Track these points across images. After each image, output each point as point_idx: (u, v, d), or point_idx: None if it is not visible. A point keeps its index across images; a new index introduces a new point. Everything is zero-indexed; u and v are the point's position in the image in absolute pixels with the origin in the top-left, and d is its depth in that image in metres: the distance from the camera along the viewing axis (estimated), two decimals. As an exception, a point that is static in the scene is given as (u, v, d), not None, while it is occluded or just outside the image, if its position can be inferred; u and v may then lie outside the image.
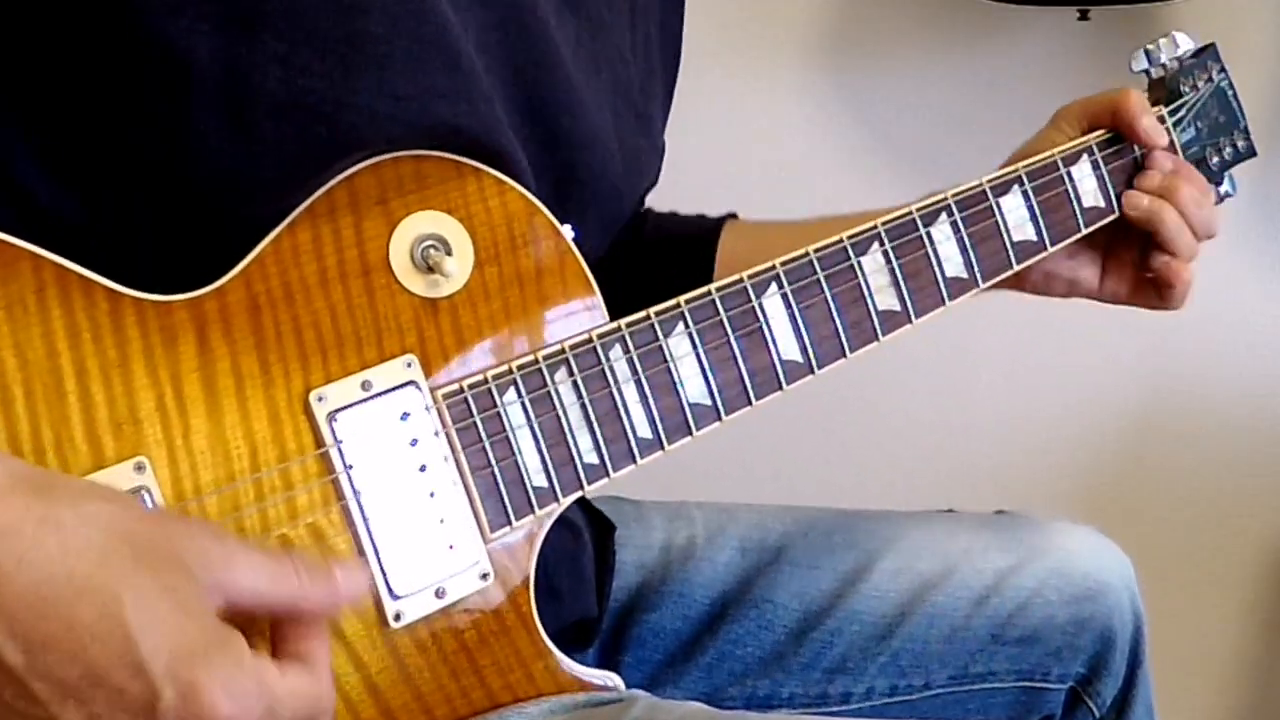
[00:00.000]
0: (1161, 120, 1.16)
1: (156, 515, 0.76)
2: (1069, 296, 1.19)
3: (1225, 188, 1.23)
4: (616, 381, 0.92)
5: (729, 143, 2.06)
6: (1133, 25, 1.94)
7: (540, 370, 0.89)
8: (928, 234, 1.03)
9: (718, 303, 0.95)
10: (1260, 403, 2.09)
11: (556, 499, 0.90)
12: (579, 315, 0.92)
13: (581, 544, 1.08)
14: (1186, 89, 1.18)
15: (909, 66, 2.04)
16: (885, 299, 1.02)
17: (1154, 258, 1.13)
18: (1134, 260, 1.16)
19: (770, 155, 2.06)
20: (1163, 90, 1.18)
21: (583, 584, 1.07)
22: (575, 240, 0.93)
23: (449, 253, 0.87)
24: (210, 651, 0.69)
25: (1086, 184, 1.11)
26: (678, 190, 1.98)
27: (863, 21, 2.03)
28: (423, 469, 0.86)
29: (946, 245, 1.04)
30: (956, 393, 2.07)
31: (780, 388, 0.98)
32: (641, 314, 0.93)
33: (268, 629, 0.76)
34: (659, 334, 0.93)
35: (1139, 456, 2.14)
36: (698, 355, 0.94)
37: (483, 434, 0.87)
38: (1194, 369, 2.10)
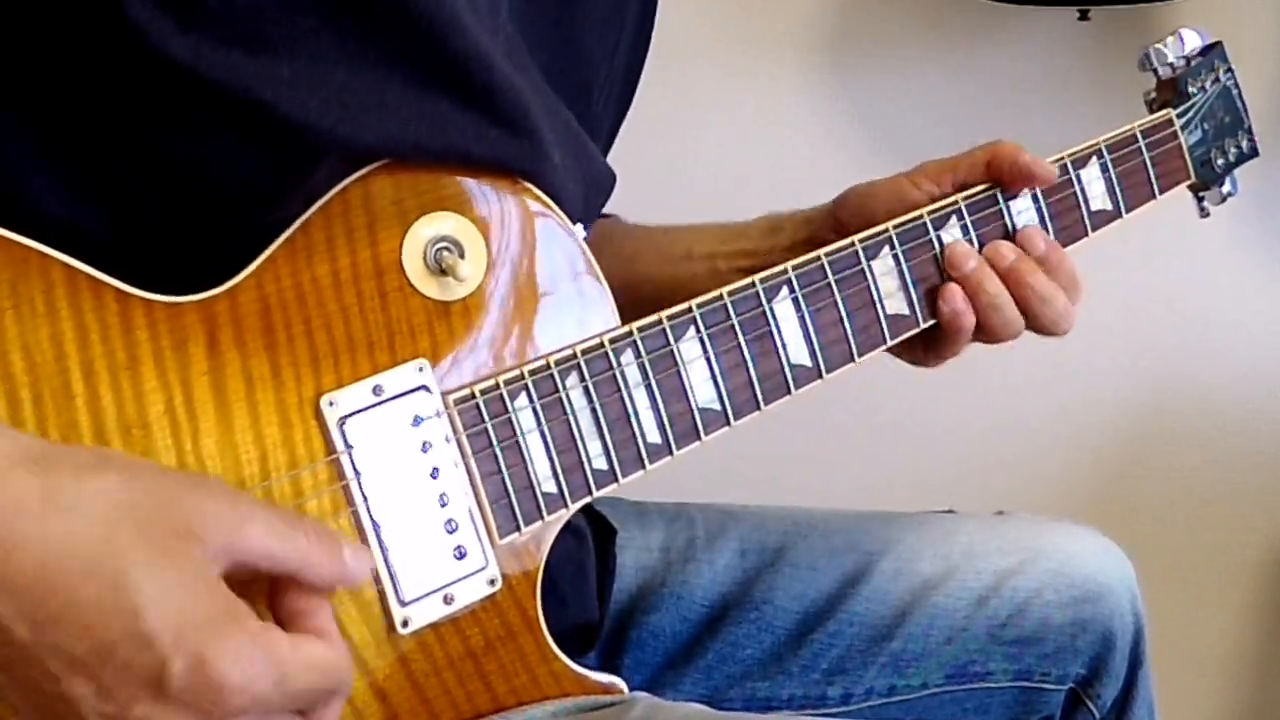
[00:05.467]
0: (1170, 123, 1.16)
1: (166, 480, 0.74)
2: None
3: (1227, 188, 1.22)
4: (627, 386, 0.91)
5: (728, 142, 2.06)
6: (1133, 25, 1.94)
7: (552, 375, 0.89)
8: (938, 238, 1.03)
9: (729, 306, 0.95)
10: (1260, 403, 2.09)
11: (565, 504, 0.89)
12: (591, 317, 0.91)
13: (585, 548, 1.08)
14: (1194, 89, 1.18)
15: (909, 66, 2.04)
16: (894, 304, 1.01)
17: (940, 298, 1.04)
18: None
19: (770, 155, 2.06)
20: (1171, 91, 1.17)
21: (585, 588, 1.07)
22: (586, 240, 0.93)
23: (462, 255, 0.86)
24: (218, 622, 0.69)
25: (1095, 187, 1.10)
26: (675, 190, 1.98)
27: (863, 21, 2.03)
28: (433, 474, 0.85)
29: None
30: (956, 393, 2.07)
31: (789, 392, 0.97)
32: (653, 317, 0.92)
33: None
34: (670, 338, 0.93)
35: (1139, 456, 2.14)
36: (708, 360, 0.94)
37: (494, 439, 0.87)
38: (1194, 369, 2.10)
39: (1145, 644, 1.21)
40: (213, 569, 0.70)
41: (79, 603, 0.67)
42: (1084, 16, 1.85)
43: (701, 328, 0.94)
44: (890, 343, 1.02)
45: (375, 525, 0.83)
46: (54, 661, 0.67)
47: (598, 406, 0.90)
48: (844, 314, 0.99)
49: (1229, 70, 1.20)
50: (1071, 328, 1.07)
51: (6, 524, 0.67)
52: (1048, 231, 1.08)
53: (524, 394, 0.88)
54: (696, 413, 0.94)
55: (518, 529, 0.88)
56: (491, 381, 0.87)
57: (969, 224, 1.04)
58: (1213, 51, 1.20)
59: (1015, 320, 1.05)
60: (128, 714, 0.67)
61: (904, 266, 1.01)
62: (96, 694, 0.67)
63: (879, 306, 1.01)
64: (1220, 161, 1.20)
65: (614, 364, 0.91)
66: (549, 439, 0.88)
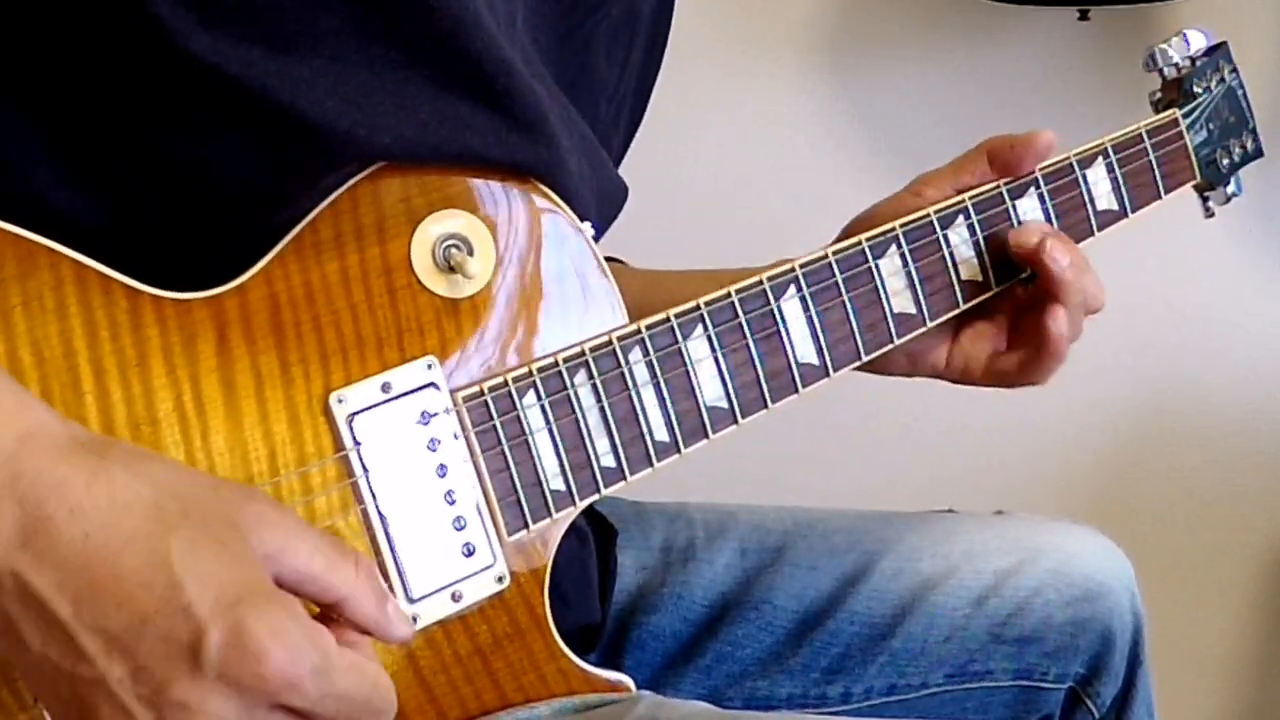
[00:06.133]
0: (1175, 123, 1.16)
1: (215, 481, 0.74)
2: (910, 375, 1.11)
3: (1231, 189, 1.23)
4: (635, 385, 0.91)
5: (728, 142, 2.06)
6: (1133, 25, 1.95)
7: (560, 373, 0.89)
8: (944, 237, 1.03)
9: (737, 305, 0.95)
10: (1260, 404, 2.10)
11: (573, 502, 0.89)
12: (599, 315, 0.91)
13: (587, 549, 1.08)
14: (1200, 90, 1.18)
15: (909, 66, 2.04)
16: (901, 302, 1.01)
17: (1049, 318, 1.04)
18: (993, 334, 1.09)
19: (770, 155, 2.06)
20: (1176, 92, 1.18)
21: (588, 589, 1.07)
22: (594, 238, 0.93)
23: (471, 253, 0.86)
24: (260, 597, 0.68)
25: (1100, 187, 1.10)
26: (675, 190, 1.98)
27: (863, 21, 2.03)
28: (442, 472, 0.85)
29: (962, 248, 1.04)
30: (956, 393, 2.06)
31: (796, 391, 0.97)
32: (661, 315, 0.92)
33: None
34: (678, 336, 0.93)
35: (1139, 456, 2.14)
36: (716, 358, 0.94)
37: (502, 437, 0.87)
38: (1194, 369, 2.10)
39: (1145, 643, 1.21)
40: (256, 556, 0.69)
41: (119, 574, 0.67)
42: (1084, 16, 1.86)
43: (709, 326, 0.94)
44: (897, 341, 1.02)
45: (383, 522, 0.83)
46: (92, 641, 0.67)
47: (606, 405, 0.90)
48: (851, 313, 0.99)
49: (1234, 70, 1.21)
50: (1102, 307, 1.08)
51: (54, 498, 0.67)
52: None
53: (532, 391, 0.88)
54: (704, 411, 0.93)
55: (525, 526, 0.88)
56: (500, 379, 0.87)
57: (976, 223, 1.04)
58: (1218, 52, 1.20)
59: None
60: (165, 696, 0.66)
61: (911, 266, 1.02)
62: (133, 675, 0.66)
63: (886, 305, 1.01)
64: (1225, 162, 1.20)
65: (622, 362, 0.91)
66: (557, 437, 0.88)
